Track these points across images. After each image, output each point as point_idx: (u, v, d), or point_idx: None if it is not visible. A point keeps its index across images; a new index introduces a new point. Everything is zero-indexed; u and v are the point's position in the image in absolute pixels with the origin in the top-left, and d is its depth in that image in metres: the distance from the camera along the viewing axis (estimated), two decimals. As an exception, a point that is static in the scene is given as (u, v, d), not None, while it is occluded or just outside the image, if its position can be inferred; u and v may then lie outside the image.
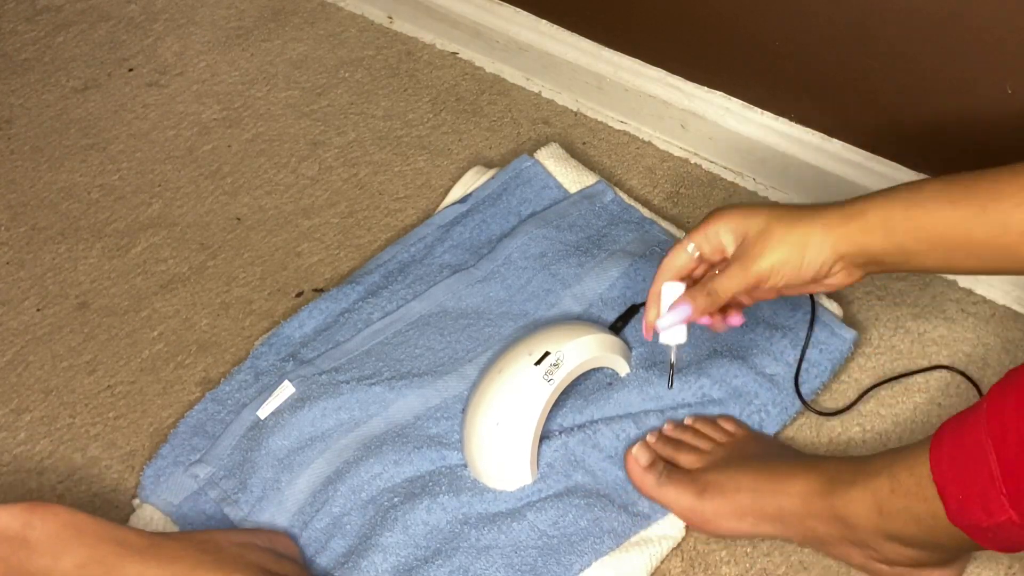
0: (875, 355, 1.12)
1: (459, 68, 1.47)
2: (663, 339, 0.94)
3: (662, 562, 1.00)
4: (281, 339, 1.17)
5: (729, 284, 0.87)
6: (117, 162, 1.41)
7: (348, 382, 1.11)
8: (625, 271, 1.17)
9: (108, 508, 1.08)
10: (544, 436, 1.05)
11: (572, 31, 1.37)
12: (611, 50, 1.34)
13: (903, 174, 1.17)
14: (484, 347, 1.14)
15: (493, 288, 1.19)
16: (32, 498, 1.06)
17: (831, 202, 0.85)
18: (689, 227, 1.25)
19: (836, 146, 1.21)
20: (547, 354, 1.04)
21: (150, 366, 1.20)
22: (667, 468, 1.00)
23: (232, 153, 1.40)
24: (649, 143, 1.35)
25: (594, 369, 1.08)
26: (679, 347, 0.95)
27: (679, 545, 1.00)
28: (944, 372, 1.10)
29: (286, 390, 1.11)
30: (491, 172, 1.29)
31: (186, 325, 1.23)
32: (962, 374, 1.09)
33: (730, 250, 0.88)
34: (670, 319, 0.91)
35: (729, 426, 1.04)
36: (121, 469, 1.12)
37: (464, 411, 1.08)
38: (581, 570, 0.98)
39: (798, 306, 1.12)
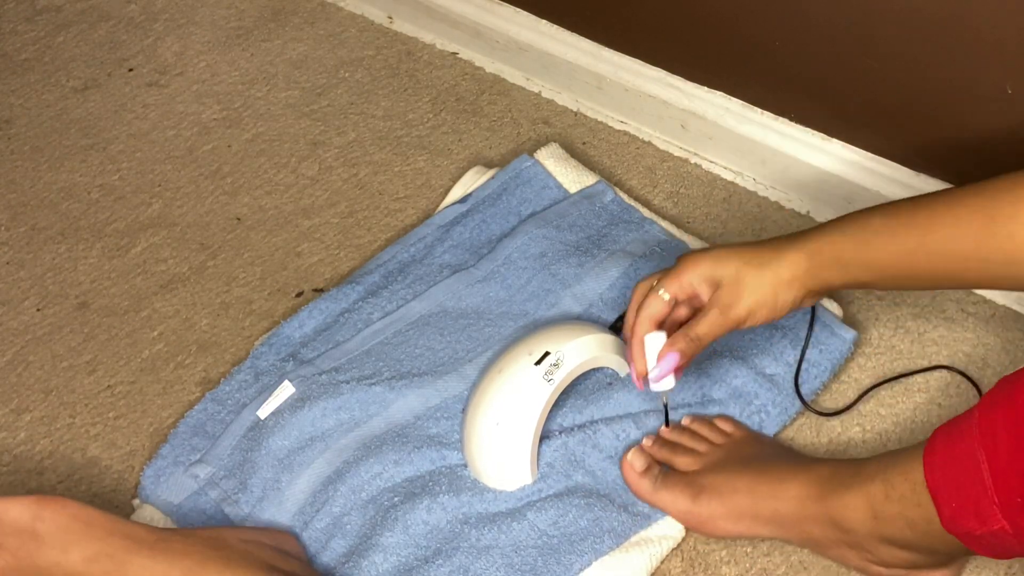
0: (875, 355, 1.12)
1: (459, 68, 1.47)
2: (655, 388, 0.97)
3: (662, 562, 1.00)
4: (281, 339, 1.17)
5: (711, 330, 0.92)
6: (117, 162, 1.41)
7: (348, 382, 1.11)
8: (625, 271, 1.17)
9: (108, 508, 1.07)
10: (544, 436, 1.05)
11: (572, 31, 1.37)
12: (611, 50, 1.34)
13: (903, 174, 1.17)
14: (484, 347, 1.14)
15: (493, 288, 1.19)
16: (32, 498, 1.06)
17: (788, 235, 0.91)
18: (689, 227, 1.25)
19: (836, 146, 1.21)
20: (547, 354, 1.04)
21: (150, 366, 1.20)
22: (663, 472, 1.00)
23: (232, 153, 1.40)
24: (649, 143, 1.35)
25: (594, 369, 1.08)
26: (670, 390, 0.98)
27: (679, 545, 1.00)
28: (944, 372, 1.10)
29: (286, 390, 1.11)
30: (491, 172, 1.29)
31: (186, 325, 1.23)
32: (962, 374, 1.09)
33: (704, 294, 0.93)
34: (662, 371, 0.94)
35: (726, 426, 1.04)
36: (121, 469, 1.12)
37: (464, 411, 1.08)
38: (581, 570, 0.98)
39: (798, 306, 1.12)
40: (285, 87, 1.47)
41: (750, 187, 1.29)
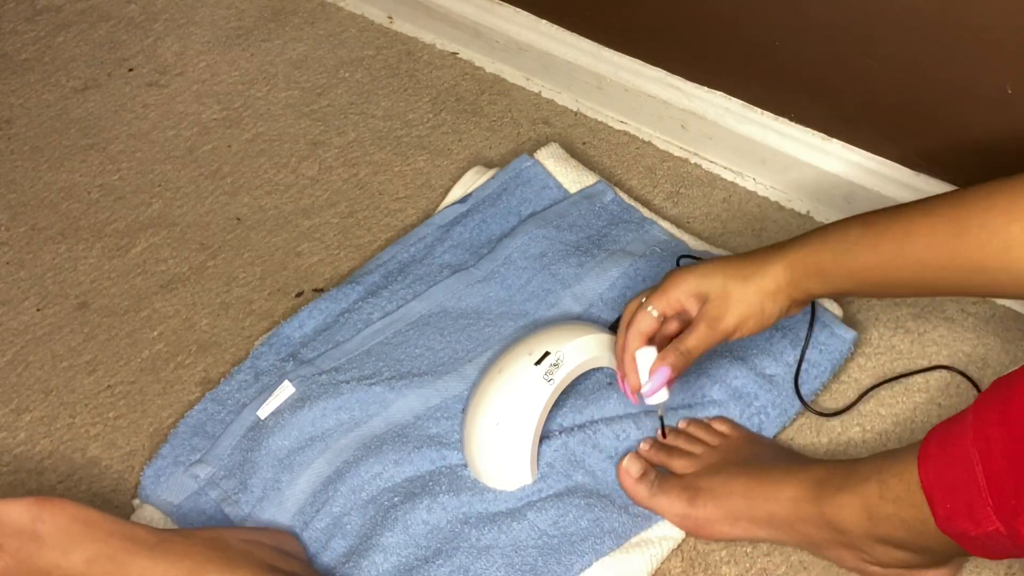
0: (875, 355, 1.12)
1: (459, 68, 1.47)
2: (649, 401, 0.98)
3: (662, 563, 1.00)
4: (281, 339, 1.17)
5: (700, 343, 0.94)
6: (117, 162, 1.41)
7: (348, 382, 1.11)
8: (625, 271, 1.17)
9: (108, 508, 1.08)
10: (544, 436, 1.05)
11: (572, 31, 1.37)
12: (611, 50, 1.34)
13: (903, 174, 1.17)
14: (484, 347, 1.14)
15: (493, 288, 1.19)
16: (32, 498, 1.06)
17: (771, 246, 0.93)
18: (689, 227, 1.25)
19: (836, 146, 1.21)
20: (547, 354, 1.04)
21: (150, 366, 1.20)
22: (659, 476, 1.00)
23: (232, 153, 1.40)
24: (649, 143, 1.35)
25: (594, 369, 1.08)
26: (664, 403, 0.99)
27: (679, 545, 1.00)
28: (944, 372, 1.10)
29: (286, 390, 1.11)
30: (491, 172, 1.29)
31: (186, 325, 1.23)
32: (962, 374, 1.09)
33: (692, 309, 0.95)
34: (654, 385, 0.96)
35: (723, 427, 1.04)
36: (121, 469, 1.12)
37: (464, 411, 1.08)
38: (582, 570, 0.98)
39: (798, 306, 1.12)
40: (285, 87, 1.47)
41: (750, 187, 1.29)
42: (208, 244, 1.31)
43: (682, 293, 0.95)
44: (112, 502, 1.09)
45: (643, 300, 0.97)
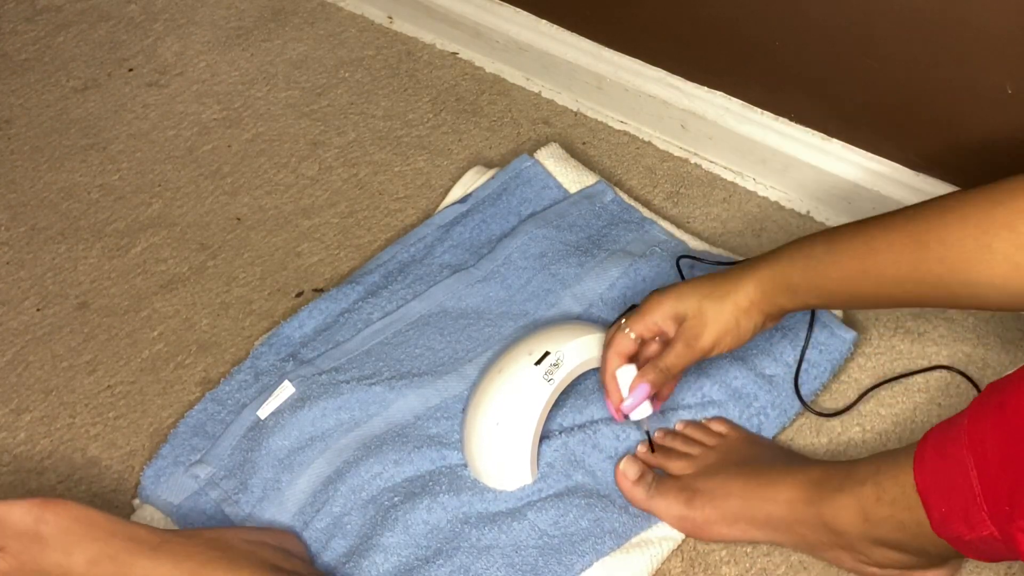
0: (875, 355, 1.12)
1: (459, 68, 1.47)
2: (633, 417, 1.00)
3: (662, 562, 1.00)
4: (281, 339, 1.17)
5: (678, 361, 0.97)
6: (117, 162, 1.41)
7: (348, 382, 1.11)
8: (625, 271, 1.17)
9: (108, 508, 1.08)
10: (544, 436, 1.05)
11: (572, 31, 1.37)
12: (611, 50, 1.34)
13: (903, 174, 1.17)
14: (484, 347, 1.14)
15: (493, 288, 1.19)
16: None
17: (742, 264, 0.96)
18: (689, 227, 1.25)
19: (836, 146, 1.21)
20: (547, 354, 1.04)
21: (150, 366, 1.20)
22: (657, 478, 1.01)
23: (232, 153, 1.40)
24: (649, 143, 1.35)
25: (594, 369, 1.08)
26: (648, 418, 1.01)
27: (679, 545, 1.00)
28: (944, 372, 1.10)
29: (286, 390, 1.11)
30: (491, 172, 1.29)
31: (186, 325, 1.23)
32: (962, 374, 1.09)
33: (670, 330, 0.98)
34: (634, 400, 0.99)
35: (720, 428, 1.05)
36: (121, 469, 1.12)
37: (464, 411, 1.08)
38: (582, 570, 0.98)
39: (798, 306, 1.12)
40: (285, 87, 1.47)
41: (750, 187, 1.29)
42: (208, 244, 1.31)
43: (659, 316, 0.97)
44: (112, 502, 1.09)
45: (622, 322, 1.00)
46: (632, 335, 0.99)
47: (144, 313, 1.24)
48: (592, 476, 1.04)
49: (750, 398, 1.07)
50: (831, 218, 1.24)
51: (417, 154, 1.37)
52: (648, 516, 1.01)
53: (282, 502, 1.04)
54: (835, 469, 0.92)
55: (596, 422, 1.07)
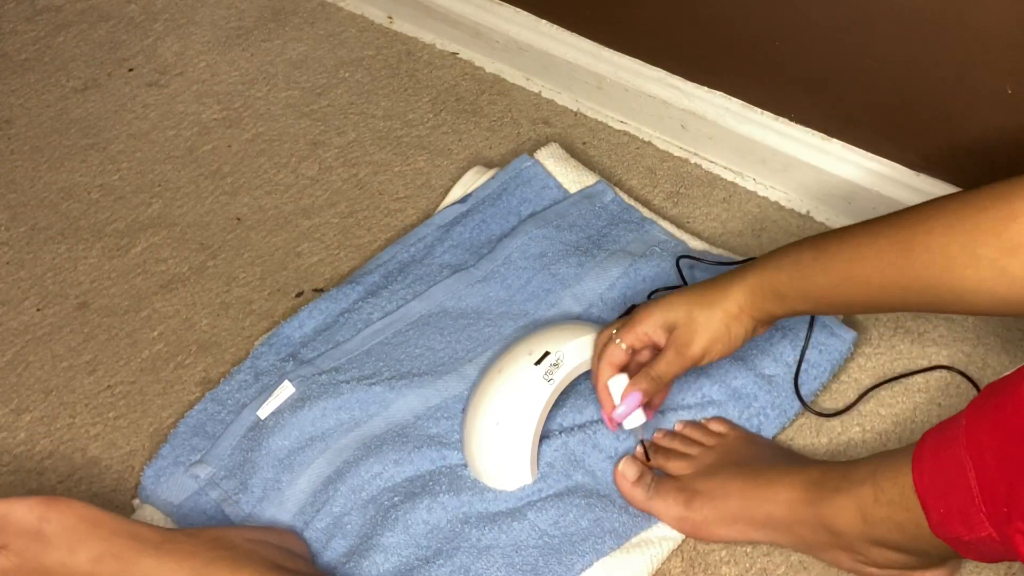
0: (875, 355, 1.12)
1: (459, 68, 1.47)
2: (626, 426, 1.01)
3: (663, 562, 1.00)
4: (281, 339, 1.17)
5: (669, 369, 0.98)
6: (117, 162, 1.41)
7: (348, 382, 1.11)
8: (625, 271, 1.17)
9: (108, 508, 1.07)
10: (544, 436, 1.05)
11: (572, 31, 1.37)
12: (611, 50, 1.34)
13: (902, 174, 1.17)
14: (484, 347, 1.14)
15: (493, 288, 1.19)
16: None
17: (731, 271, 0.96)
18: (689, 227, 1.25)
19: (836, 146, 1.21)
20: (547, 354, 1.04)
21: (150, 366, 1.20)
22: (656, 478, 1.01)
23: (232, 153, 1.40)
24: (649, 143, 1.35)
25: (594, 369, 1.08)
26: (643, 426, 1.01)
27: (679, 545, 1.00)
28: (944, 372, 1.10)
29: (286, 390, 1.11)
30: (491, 172, 1.29)
31: (186, 325, 1.23)
32: (962, 374, 1.09)
33: (661, 340, 0.98)
34: (626, 408, 0.99)
35: (719, 427, 1.05)
36: (121, 469, 1.12)
37: (464, 411, 1.08)
38: (583, 570, 0.98)
39: (798, 306, 1.12)
40: (285, 87, 1.47)
41: (750, 187, 1.29)
42: (208, 244, 1.31)
43: (649, 326, 0.98)
44: (112, 502, 1.09)
45: (613, 331, 1.00)
46: (623, 345, 0.99)
47: (144, 313, 1.24)
48: (592, 476, 1.04)
49: (750, 398, 1.07)
50: (831, 218, 1.24)
51: (417, 154, 1.37)
52: (648, 516, 1.01)
53: (282, 502, 1.04)
54: (834, 469, 0.92)
55: (596, 422, 1.07)
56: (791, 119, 1.23)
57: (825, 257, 0.89)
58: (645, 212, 1.24)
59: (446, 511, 1.02)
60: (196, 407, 1.13)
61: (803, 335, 1.09)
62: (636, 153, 1.34)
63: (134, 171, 1.39)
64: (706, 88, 1.28)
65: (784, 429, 1.07)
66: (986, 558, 0.80)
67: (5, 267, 1.30)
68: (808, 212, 1.25)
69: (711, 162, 1.32)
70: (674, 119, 1.31)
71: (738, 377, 1.08)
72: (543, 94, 1.42)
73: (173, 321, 1.23)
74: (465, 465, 1.06)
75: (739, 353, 1.09)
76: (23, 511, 0.87)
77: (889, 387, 1.10)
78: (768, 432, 1.06)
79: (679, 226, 1.24)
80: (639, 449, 1.04)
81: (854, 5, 1.09)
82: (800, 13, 1.14)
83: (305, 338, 1.17)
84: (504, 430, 1.03)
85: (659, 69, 1.31)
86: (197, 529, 0.97)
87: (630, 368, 1.01)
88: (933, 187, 1.15)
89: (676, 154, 1.33)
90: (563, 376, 1.03)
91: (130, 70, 1.52)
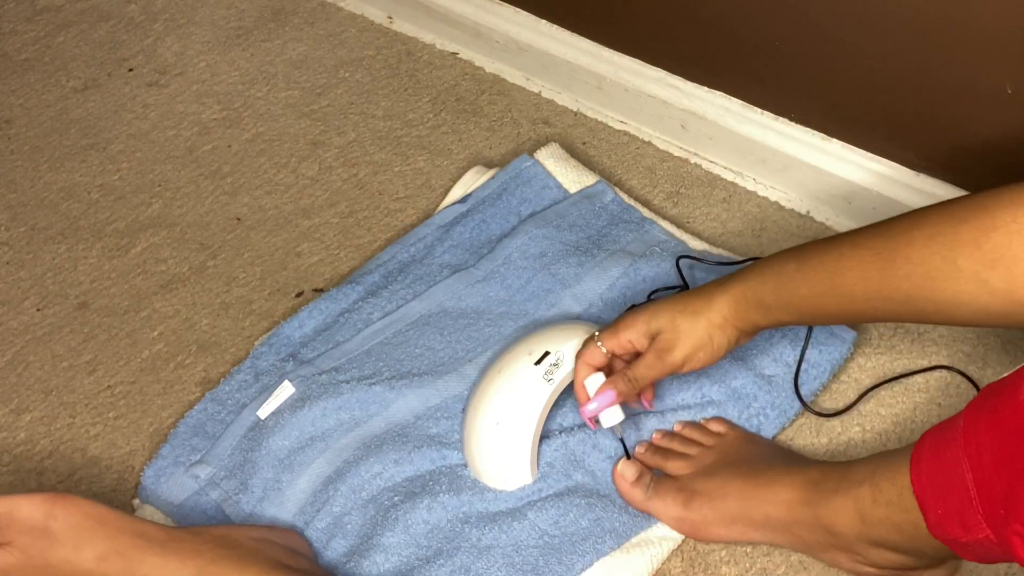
0: (875, 355, 1.12)
1: (459, 68, 1.47)
2: (604, 424, 1.02)
3: (663, 562, 1.00)
4: (281, 339, 1.17)
5: (647, 373, 0.99)
6: (117, 162, 1.41)
7: (348, 382, 1.11)
8: (625, 271, 1.18)
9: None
10: (544, 436, 1.05)
11: (572, 31, 1.37)
12: (611, 50, 1.34)
13: (902, 174, 1.17)
14: (484, 347, 1.14)
15: (493, 288, 1.19)
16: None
17: (716, 280, 0.97)
18: (689, 227, 1.25)
19: (836, 146, 1.21)
20: (547, 354, 1.04)
21: (150, 366, 1.20)
22: (655, 479, 1.01)
23: (232, 153, 1.40)
24: (649, 143, 1.35)
25: (594, 369, 1.08)
26: (621, 424, 1.02)
27: (679, 545, 1.00)
28: (944, 372, 1.10)
29: (286, 390, 1.11)
30: (491, 172, 1.29)
31: (186, 325, 1.23)
32: (962, 374, 1.09)
33: (643, 347, 0.99)
34: (596, 405, 1.00)
35: (718, 427, 1.05)
36: (121, 469, 1.12)
37: (464, 411, 1.08)
38: (583, 570, 0.98)
39: (798, 306, 1.12)
40: (285, 87, 1.47)
41: (750, 187, 1.29)
42: (208, 244, 1.31)
43: (632, 333, 0.98)
44: (112, 502, 1.09)
45: (596, 334, 1.01)
46: (603, 349, 1.00)
47: (144, 313, 1.24)
48: (592, 476, 1.04)
49: (750, 398, 1.07)
50: (831, 218, 1.24)
51: (417, 154, 1.37)
52: (648, 517, 1.01)
53: (282, 502, 1.04)
54: (833, 470, 0.92)
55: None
56: (791, 119, 1.23)
57: (808, 268, 0.90)
58: (645, 212, 1.24)
59: (446, 511, 1.02)
60: (196, 407, 1.13)
61: (803, 335, 1.09)
62: (636, 153, 1.34)
63: (134, 171, 1.39)
64: (706, 88, 1.28)
65: (784, 429, 1.07)
66: (984, 559, 0.80)
67: (5, 267, 1.30)
68: (808, 212, 1.25)
69: (711, 162, 1.32)
70: (674, 119, 1.31)
71: (738, 377, 1.08)
72: (543, 94, 1.42)
73: (173, 321, 1.23)
74: (465, 465, 1.06)
75: (739, 353, 1.09)
76: (29, 508, 0.87)
77: (889, 387, 1.10)
78: (768, 432, 1.06)
79: (679, 226, 1.24)
80: (638, 449, 1.04)
81: (854, 5, 1.09)
82: (800, 13, 1.14)
83: (305, 338, 1.17)
84: (504, 430, 1.03)
85: (659, 69, 1.31)
86: (202, 527, 0.97)
87: (614, 371, 1.01)
88: (933, 187, 1.15)
89: (676, 154, 1.33)
90: (563, 376, 1.03)
91: (130, 70, 1.52)
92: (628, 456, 1.03)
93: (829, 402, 1.09)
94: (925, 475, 0.81)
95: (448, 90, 1.44)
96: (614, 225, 1.22)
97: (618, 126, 1.37)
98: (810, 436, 1.07)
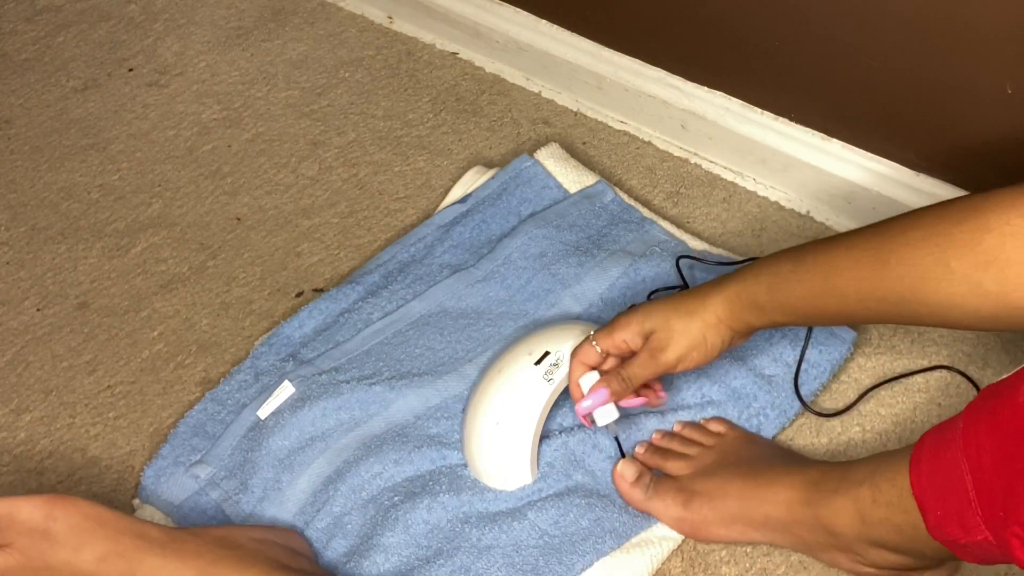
0: (875, 355, 1.12)
1: (459, 68, 1.47)
2: (599, 422, 1.02)
3: (663, 562, 1.00)
4: (281, 339, 1.17)
5: (640, 372, 0.99)
6: (117, 162, 1.41)
7: (348, 382, 1.11)
8: (625, 271, 1.18)
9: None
10: (544, 436, 1.05)
11: (572, 31, 1.37)
12: (611, 50, 1.34)
13: (902, 174, 1.17)
14: (484, 347, 1.14)
15: (493, 288, 1.19)
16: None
17: (711, 281, 0.97)
18: (689, 227, 1.25)
19: (836, 146, 1.21)
20: (547, 354, 1.04)
21: (150, 366, 1.20)
22: (655, 479, 1.01)
23: (232, 153, 1.40)
24: (649, 143, 1.35)
25: (594, 369, 1.08)
26: (616, 422, 1.02)
27: (679, 545, 1.00)
28: (944, 372, 1.10)
29: (286, 390, 1.11)
30: (491, 172, 1.29)
31: (186, 325, 1.23)
32: (962, 374, 1.09)
33: (636, 348, 0.99)
34: (590, 403, 1.00)
35: (718, 427, 1.05)
36: (121, 469, 1.12)
37: (464, 411, 1.08)
38: (583, 570, 0.98)
39: (798, 306, 1.12)
40: (285, 87, 1.47)
41: (750, 187, 1.29)
42: (208, 244, 1.31)
43: (627, 334, 0.99)
44: (112, 502, 1.09)
45: (591, 334, 1.01)
46: (598, 348, 1.00)
47: (144, 313, 1.24)
48: (592, 476, 1.04)
49: (750, 398, 1.07)
50: (831, 218, 1.24)
51: (417, 154, 1.37)
52: (648, 517, 1.01)
53: (282, 502, 1.04)
54: (833, 470, 0.92)
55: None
56: (791, 119, 1.23)
57: (802, 269, 0.90)
58: (645, 212, 1.24)
59: (446, 511, 1.02)
60: (196, 407, 1.13)
61: (803, 335, 1.09)
62: (636, 153, 1.34)
63: (134, 171, 1.39)
64: (706, 88, 1.28)
65: (784, 429, 1.07)
66: (983, 561, 0.80)
67: (5, 267, 1.30)
68: (808, 212, 1.25)
69: (711, 162, 1.32)
70: (674, 119, 1.31)
71: (738, 377, 1.08)
72: (543, 94, 1.42)
73: (173, 321, 1.23)
74: (465, 465, 1.06)
75: (739, 353, 1.09)
76: (29, 509, 0.87)
77: (889, 387, 1.10)
78: (768, 432, 1.06)
79: (679, 226, 1.24)
80: (638, 449, 1.04)
81: (854, 5, 1.09)
82: (800, 13, 1.14)
83: (305, 338, 1.17)
84: (504, 430, 1.03)
85: (659, 69, 1.31)
86: (202, 528, 0.97)
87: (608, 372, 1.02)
88: (933, 187, 1.15)
89: (676, 154, 1.33)
90: (563, 376, 1.03)
91: (130, 70, 1.52)
92: (623, 454, 1.03)
93: (829, 402, 1.09)
94: (924, 476, 0.81)
95: (448, 90, 1.44)
96: (614, 225, 1.22)
97: (618, 126, 1.37)
98: (810, 436, 1.07)
